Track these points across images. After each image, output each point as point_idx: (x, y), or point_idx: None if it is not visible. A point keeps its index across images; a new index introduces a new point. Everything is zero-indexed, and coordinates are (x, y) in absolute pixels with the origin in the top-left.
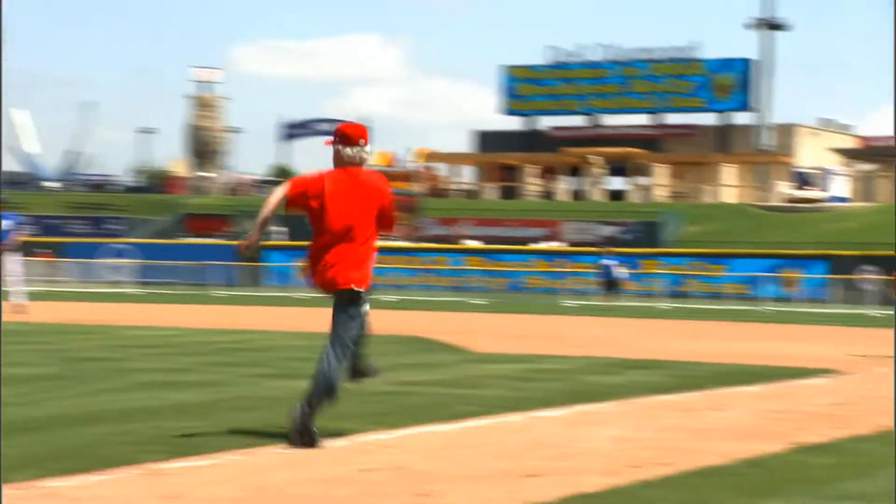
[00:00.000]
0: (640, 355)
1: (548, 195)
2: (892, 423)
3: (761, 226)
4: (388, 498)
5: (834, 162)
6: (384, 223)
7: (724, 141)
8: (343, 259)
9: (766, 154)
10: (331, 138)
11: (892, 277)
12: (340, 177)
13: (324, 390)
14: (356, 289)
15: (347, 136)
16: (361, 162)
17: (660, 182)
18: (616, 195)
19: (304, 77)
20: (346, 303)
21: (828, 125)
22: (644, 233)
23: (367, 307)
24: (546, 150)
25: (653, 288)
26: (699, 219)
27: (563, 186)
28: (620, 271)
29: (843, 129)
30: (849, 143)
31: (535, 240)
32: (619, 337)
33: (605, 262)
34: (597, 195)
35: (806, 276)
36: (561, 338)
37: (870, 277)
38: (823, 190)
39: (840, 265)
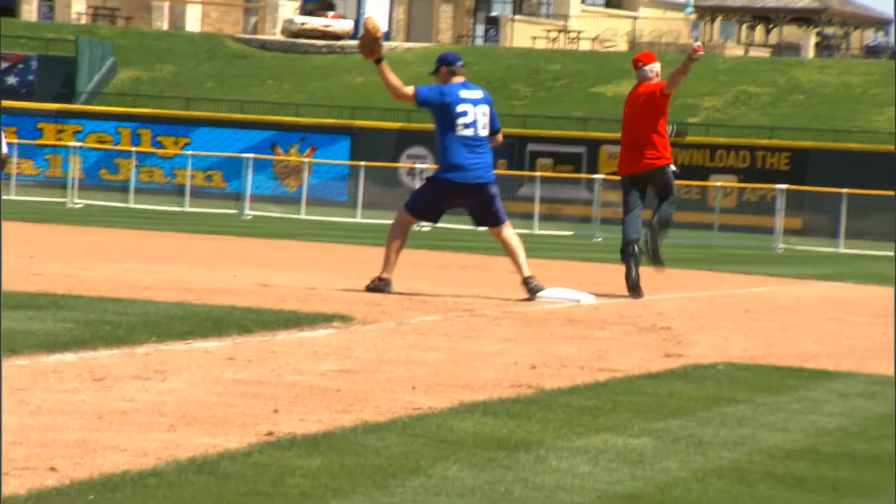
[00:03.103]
0: (24, 287)
1: None
2: (426, 402)
3: (248, 73)
4: None
5: None
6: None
7: None
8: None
9: None
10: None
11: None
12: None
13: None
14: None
15: (635, 61)
16: (645, 79)
17: None
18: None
19: None
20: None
21: None
22: (46, 76)
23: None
24: None
25: (59, 173)
26: (142, 57)
27: None
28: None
29: None
30: None
31: None
32: None
33: None
34: None
35: (318, 160)
36: None
37: (416, 167)
38: (352, 18)
39: (370, 143)
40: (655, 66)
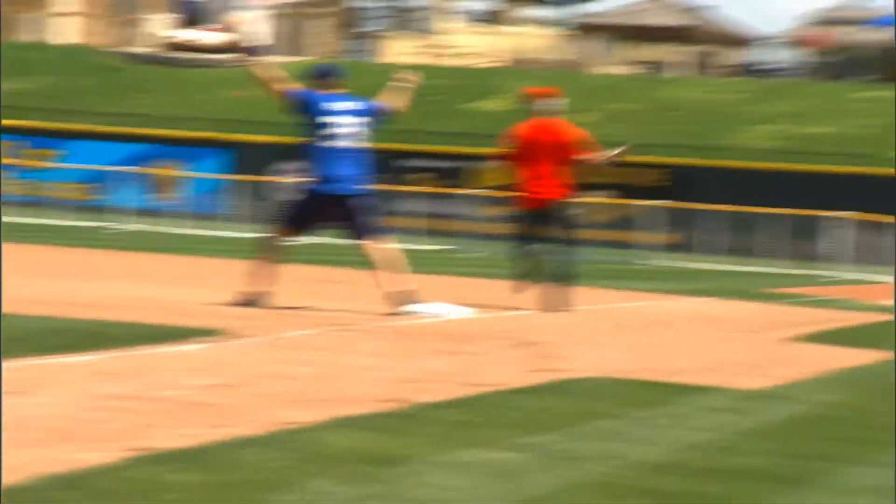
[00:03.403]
0: None
1: None
2: (299, 417)
3: (121, 86)
4: None
5: None
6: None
7: None
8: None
9: None
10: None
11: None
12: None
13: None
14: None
15: (527, 95)
16: (547, 114)
17: None
18: None
19: None
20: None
21: None
22: None
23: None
24: None
25: None
26: (13, 69)
27: None
28: None
29: None
30: None
31: None
32: None
33: None
34: None
35: (191, 174)
36: None
37: (288, 181)
38: (230, 31)
39: (247, 158)
40: (559, 102)
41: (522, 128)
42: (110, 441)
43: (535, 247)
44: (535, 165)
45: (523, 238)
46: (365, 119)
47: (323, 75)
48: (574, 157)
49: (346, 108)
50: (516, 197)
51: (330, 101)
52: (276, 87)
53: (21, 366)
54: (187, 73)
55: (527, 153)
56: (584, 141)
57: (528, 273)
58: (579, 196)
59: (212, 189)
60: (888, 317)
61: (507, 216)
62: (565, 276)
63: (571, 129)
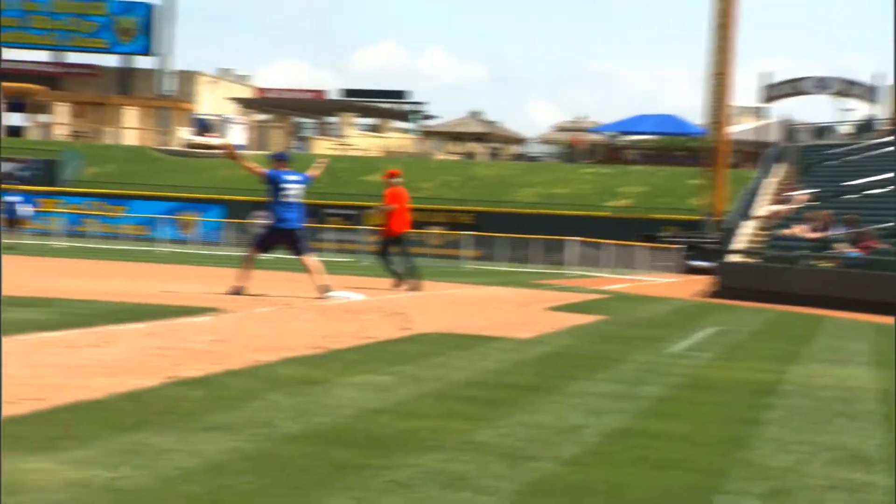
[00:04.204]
0: (27, 293)
1: None
2: (263, 358)
3: (161, 169)
4: None
5: (232, 110)
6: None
7: (125, 83)
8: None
9: (166, 99)
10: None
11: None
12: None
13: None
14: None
15: (389, 174)
16: (396, 185)
17: (60, 121)
18: (14, 131)
19: None
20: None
21: (226, 75)
22: (43, 171)
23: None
24: None
25: (51, 227)
26: (99, 159)
27: None
28: (25, 209)
29: (241, 79)
30: (246, 93)
31: None
32: (9, 274)
33: (7, 198)
34: None
35: (203, 219)
36: None
37: (258, 222)
38: (222, 136)
39: (235, 210)
40: (401, 177)
41: (386, 193)
42: (153, 373)
43: (396, 259)
44: (391, 213)
45: (388, 254)
46: (302, 185)
47: (282, 158)
48: (409, 208)
49: (293, 179)
50: (383, 230)
51: (286, 174)
52: (259, 171)
53: (100, 330)
54: (200, 161)
55: (393, 206)
56: (409, 199)
57: (397, 273)
58: (421, 229)
59: (214, 227)
60: (600, 296)
61: (380, 241)
62: (416, 275)
63: (407, 193)
